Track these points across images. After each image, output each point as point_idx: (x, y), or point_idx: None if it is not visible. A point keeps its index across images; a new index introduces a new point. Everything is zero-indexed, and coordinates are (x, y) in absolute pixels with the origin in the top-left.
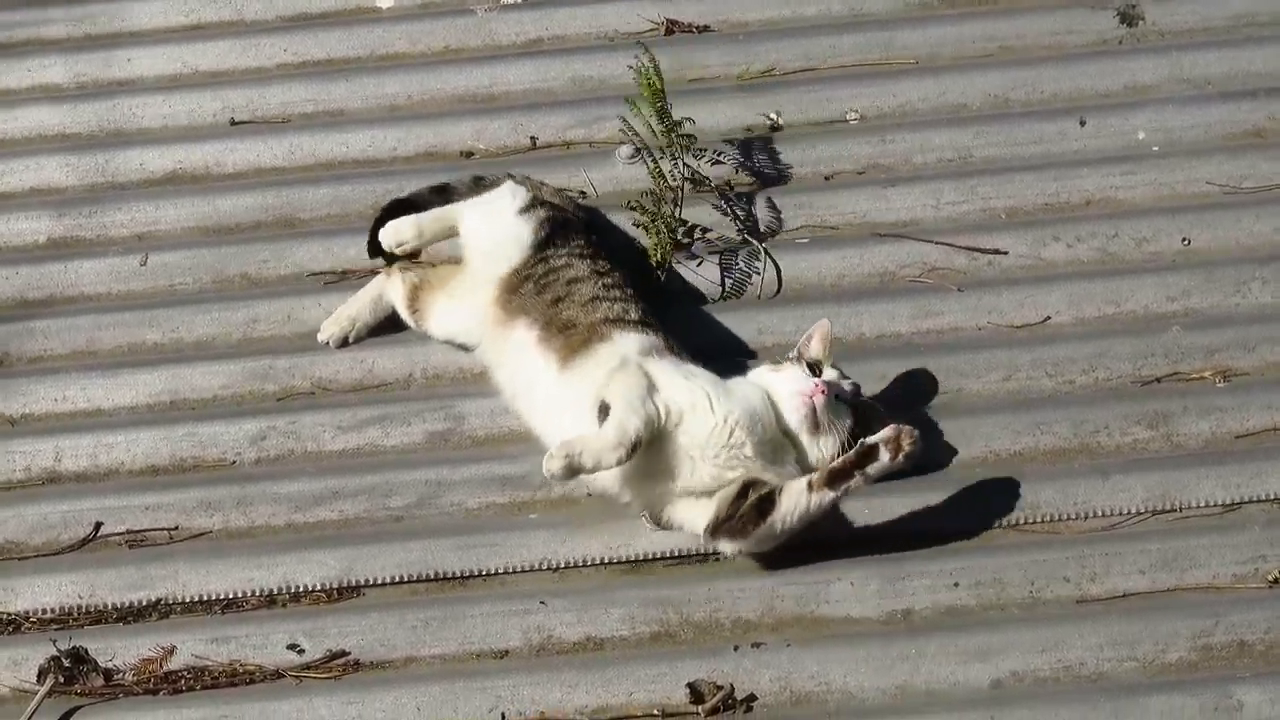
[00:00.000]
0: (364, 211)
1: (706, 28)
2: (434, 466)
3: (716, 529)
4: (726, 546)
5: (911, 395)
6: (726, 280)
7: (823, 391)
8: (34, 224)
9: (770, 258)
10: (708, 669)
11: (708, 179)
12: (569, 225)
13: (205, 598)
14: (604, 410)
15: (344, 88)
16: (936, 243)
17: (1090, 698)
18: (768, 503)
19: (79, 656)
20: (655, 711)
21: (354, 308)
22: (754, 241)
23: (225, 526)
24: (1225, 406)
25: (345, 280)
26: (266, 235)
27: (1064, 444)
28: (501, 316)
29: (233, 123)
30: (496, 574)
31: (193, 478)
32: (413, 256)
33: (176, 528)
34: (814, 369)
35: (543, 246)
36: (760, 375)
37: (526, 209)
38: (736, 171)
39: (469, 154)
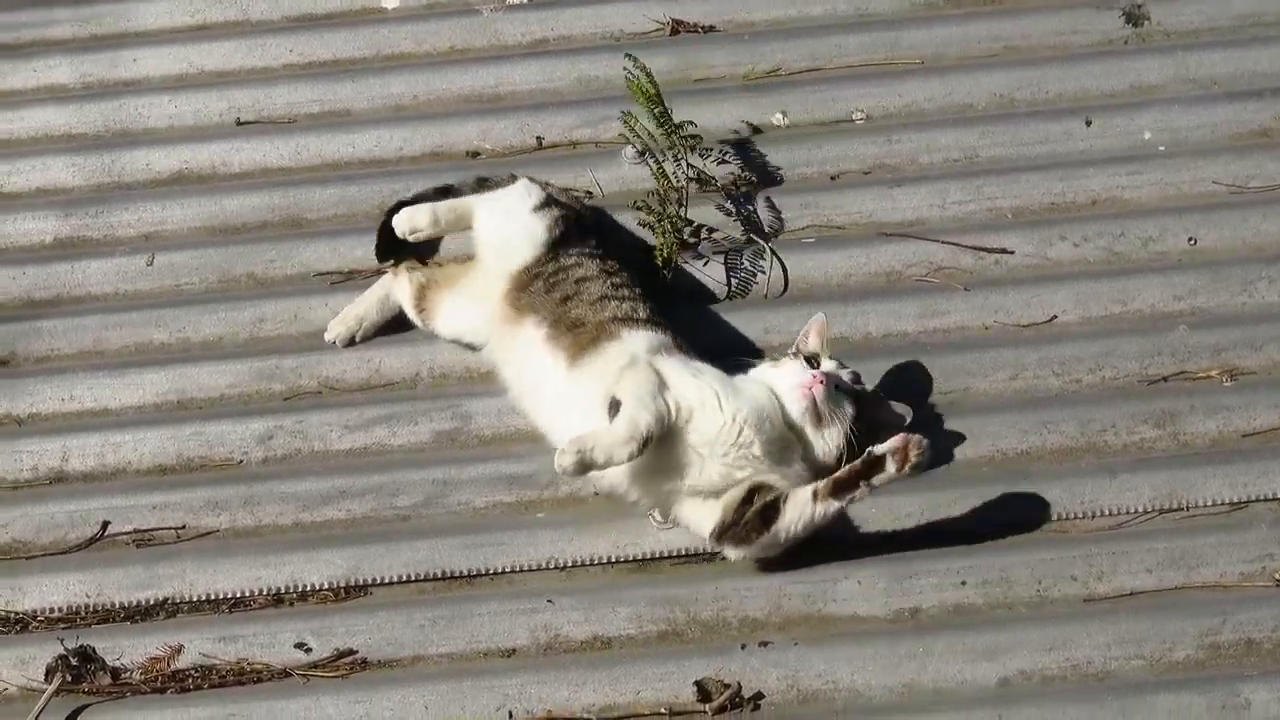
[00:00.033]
0: (370, 211)
1: (712, 28)
2: (441, 466)
3: (721, 534)
4: (730, 552)
5: (917, 394)
6: (732, 280)
7: (821, 382)
8: (40, 224)
9: (776, 257)
10: (715, 667)
11: (714, 179)
12: (580, 225)
13: (212, 597)
14: (614, 406)
15: (350, 88)
16: (943, 242)
17: (1097, 696)
18: (772, 510)
19: (86, 655)
20: (663, 710)
21: (361, 307)
22: (760, 241)
23: (232, 526)
24: (1232, 405)
25: (352, 280)
26: (273, 235)
27: (1071, 443)
28: (510, 314)
29: (239, 123)
30: (504, 573)
31: (200, 477)
32: (421, 261)
33: (184, 527)
34: (812, 362)
35: (554, 245)
36: (762, 373)
37: (541, 207)
38: (742, 171)
39: (475, 154)
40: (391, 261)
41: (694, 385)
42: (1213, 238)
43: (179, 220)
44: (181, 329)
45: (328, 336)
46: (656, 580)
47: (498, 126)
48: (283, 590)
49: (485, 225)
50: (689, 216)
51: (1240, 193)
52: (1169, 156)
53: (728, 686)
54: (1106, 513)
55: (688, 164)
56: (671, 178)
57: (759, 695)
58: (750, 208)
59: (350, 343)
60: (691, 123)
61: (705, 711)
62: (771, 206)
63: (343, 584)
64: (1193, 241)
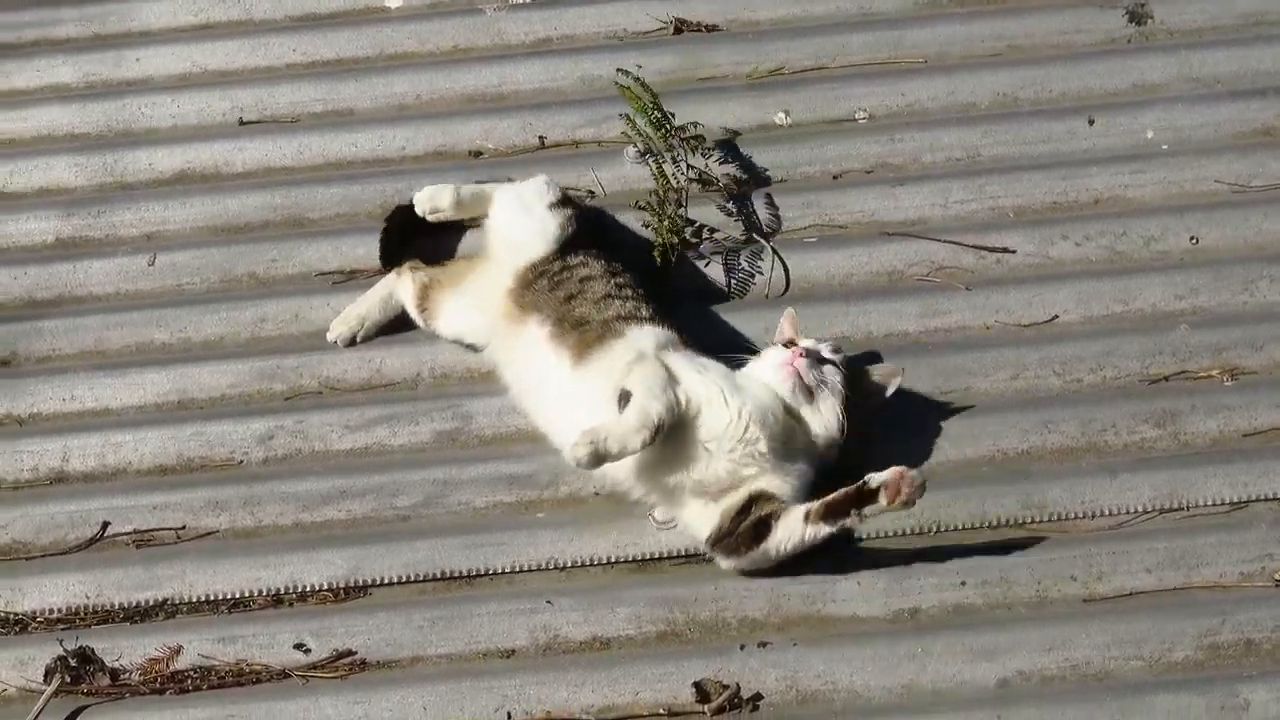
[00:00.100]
0: (373, 211)
1: (715, 27)
2: (441, 466)
3: (715, 543)
4: (722, 562)
5: (918, 394)
6: (734, 279)
7: (801, 355)
8: (42, 224)
9: (778, 256)
10: (714, 668)
11: (716, 178)
12: (589, 226)
13: (212, 597)
14: (624, 399)
15: (353, 87)
16: (944, 241)
17: (1097, 697)
18: (764, 527)
19: (85, 656)
20: (661, 711)
21: (363, 307)
22: (762, 240)
23: (232, 526)
24: (1233, 405)
25: (353, 280)
26: (275, 235)
27: (1071, 443)
28: (514, 312)
29: (241, 122)
30: (503, 573)
31: (200, 477)
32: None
33: (184, 527)
34: (790, 345)
35: (564, 243)
36: (750, 370)
37: (557, 204)
38: (744, 171)
39: (478, 153)
40: (397, 266)
41: (701, 381)
42: (1215, 237)
43: (181, 220)
44: (183, 329)
45: (330, 336)
46: (656, 581)
47: (500, 126)
48: (282, 591)
49: (500, 214)
50: (690, 216)
51: (1243, 192)
52: (1172, 155)
53: (726, 687)
54: (1107, 512)
55: (687, 165)
56: (671, 178)
57: (758, 696)
58: (752, 207)
59: (351, 342)
60: (695, 124)
61: (704, 712)
62: (773, 206)
63: (342, 584)
64: (1195, 241)
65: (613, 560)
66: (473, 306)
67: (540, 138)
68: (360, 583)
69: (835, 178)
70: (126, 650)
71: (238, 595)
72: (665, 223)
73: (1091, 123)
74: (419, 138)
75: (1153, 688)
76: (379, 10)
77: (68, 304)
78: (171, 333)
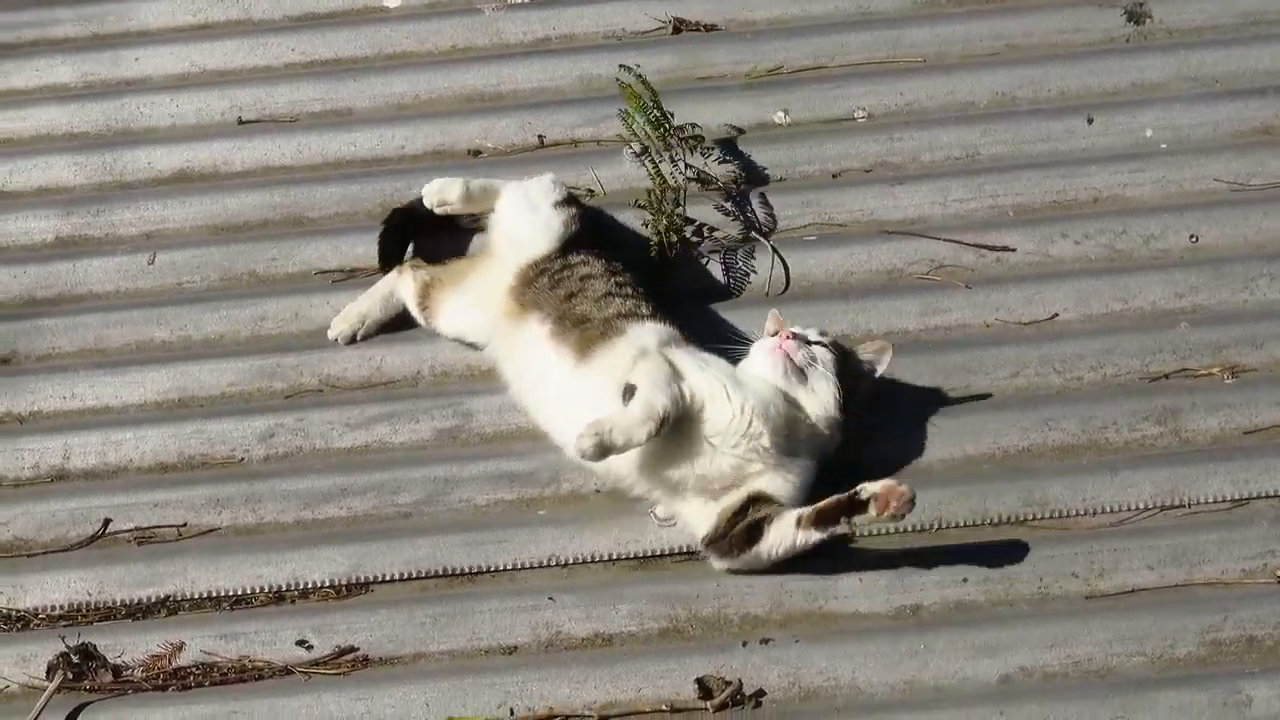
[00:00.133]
0: (372, 210)
1: (714, 26)
2: (442, 463)
3: (710, 543)
4: (715, 563)
5: (919, 392)
6: (734, 278)
7: (789, 337)
8: (42, 223)
9: (778, 255)
10: (716, 665)
11: (715, 177)
12: (590, 225)
13: (214, 594)
14: (628, 392)
15: (352, 87)
16: (944, 240)
17: (1099, 693)
18: (757, 531)
19: (88, 653)
20: (664, 707)
21: (364, 305)
22: (761, 239)
23: (234, 523)
24: (1233, 403)
25: (353, 278)
26: (274, 233)
27: (1072, 440)
28: (514, 309)
29: (240, 122)
30: (505, 570)
31: (201, 475)
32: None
33: (185, 525)
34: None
35: (566, 242)
36: (746, 366)
37: (561, 203)
38: (744, 170)
39: (476, 152)
40: (395, 268)
41: (704, 376)
42: (1214, 235)
43: (180, 219)
44: (183, 327)
45: (331, 334)
46: (658, 577)
47: (499, 125)
48: (284, 588)
49: (506, 210)
50: (690, 215)
51: (1242, 190)
52: (1171, 154)
53: (729, 684)
54: (1108, 510)
55: (685, 164)
56: (669, 178)
57: (760, 692)
58: (752, 206)
59: (352, 340)
60: (693, 124)
61: (706, 709)
62: (773, 204)
63: (344, 581)
64: (1194, 239)
65: (614, 557)
66: (474, 305)
67: (539, 137)
68: (362, 580)
69: (834, 176)
70: (129, 647)
71: (240, 592)
72: (664, 221)
73: (1090, 122)
74: (418, 137)
75: (1155, 684)
76: (378, 10)
77: (68, 302)
78: (172, 331)
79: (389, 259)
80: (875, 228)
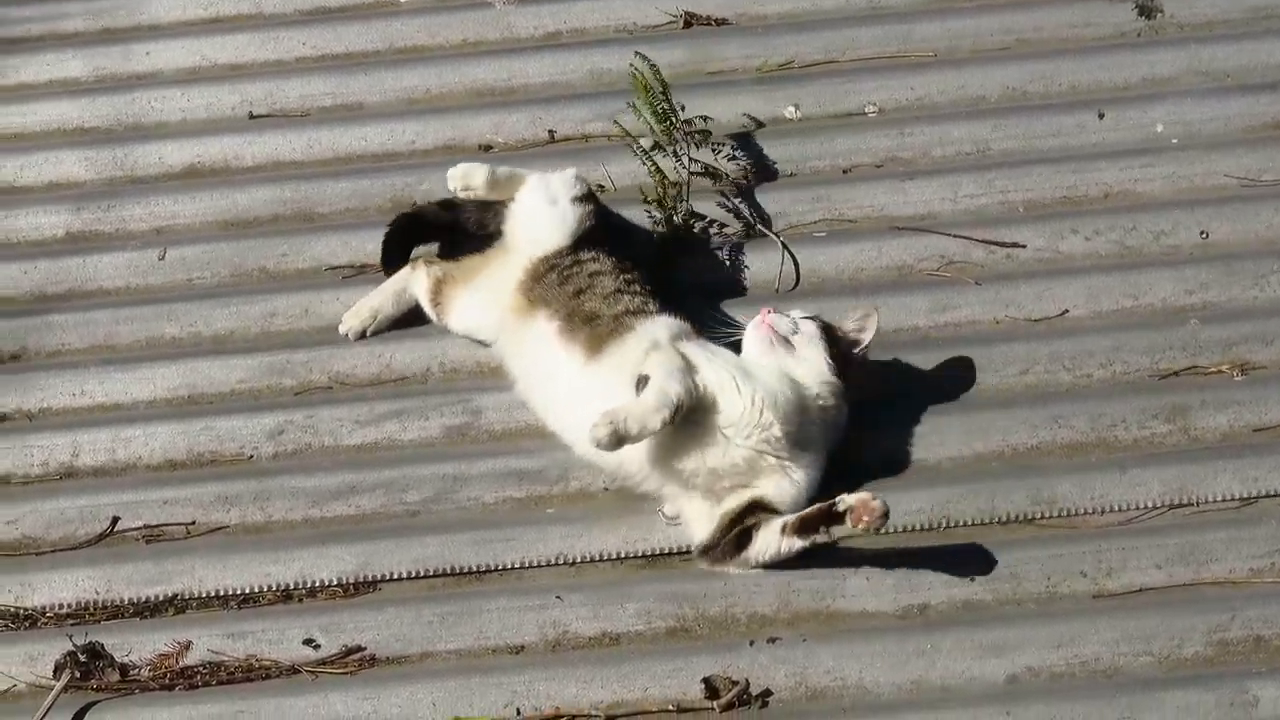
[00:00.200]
0: (383, 205)
1: (725, 20)
2: (451, 461)
3: (703, 552)
4: (705, 567)
5: (927, 389)
6: (743, 273)
7: (770, 310)
8: (52, 218)
9: (788, 250)
10: (723, 664)
11: (725, 172)
12: (603, 223)
13: (222, 593)
14: (641, 383)
15: (363, 81)
16: (954, 236)
17: (1106, 693)
18: (746, 537)
19: (95, 652)
20: (670, 707)
21: (376, 300)
22: (771, 234)
23: (242, 521)
24: (1243, 400)
25: (363, 274)
26: (285, 229)
27: (1081, 438)
28: (522, 305)
29: (251, 116)
30: (513, 569)
31: (210, 472)
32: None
33: (194, 522)
34: None
35: (579, 238)
36: (748, 356)
37: (580, 199)
38: (754, 164)
39: (487, 147)
40: (403, 268)
41: (714, 368)
42: (1225, 231)
43: (191, 214)
44: (193, 323)
45: (342, 329)
46: (665, 576)
47: (510, 120)
48: (292, 586)
49: (526, 199)
50: (700, 210)
51: (1252, 186)
52: (1181, 149)
53: (736, 683)
54: (1116, 508)
55: (690, 159)
56: (671, 173)
57: (767, 692)
58: (762, 201)
59: (362, 335)
60: (703, 117)
61: (713, 708)
62: (783, 200)
63: (352, 580)
64: (1204, 235)
65: (622, 556)
66: (485, 301)
67: (550, 132)
68: (370, 578)
69: (845, 172)
70: (136, 646)
71: (247, 591)
72: (676, 216)
73: (1101, 117)
74: (428, 132)
75: (1162, 684)
76: (389, 4)
77: (78, 298)
78: (181, 327)
79: (392, 263)
80: (885, 223)
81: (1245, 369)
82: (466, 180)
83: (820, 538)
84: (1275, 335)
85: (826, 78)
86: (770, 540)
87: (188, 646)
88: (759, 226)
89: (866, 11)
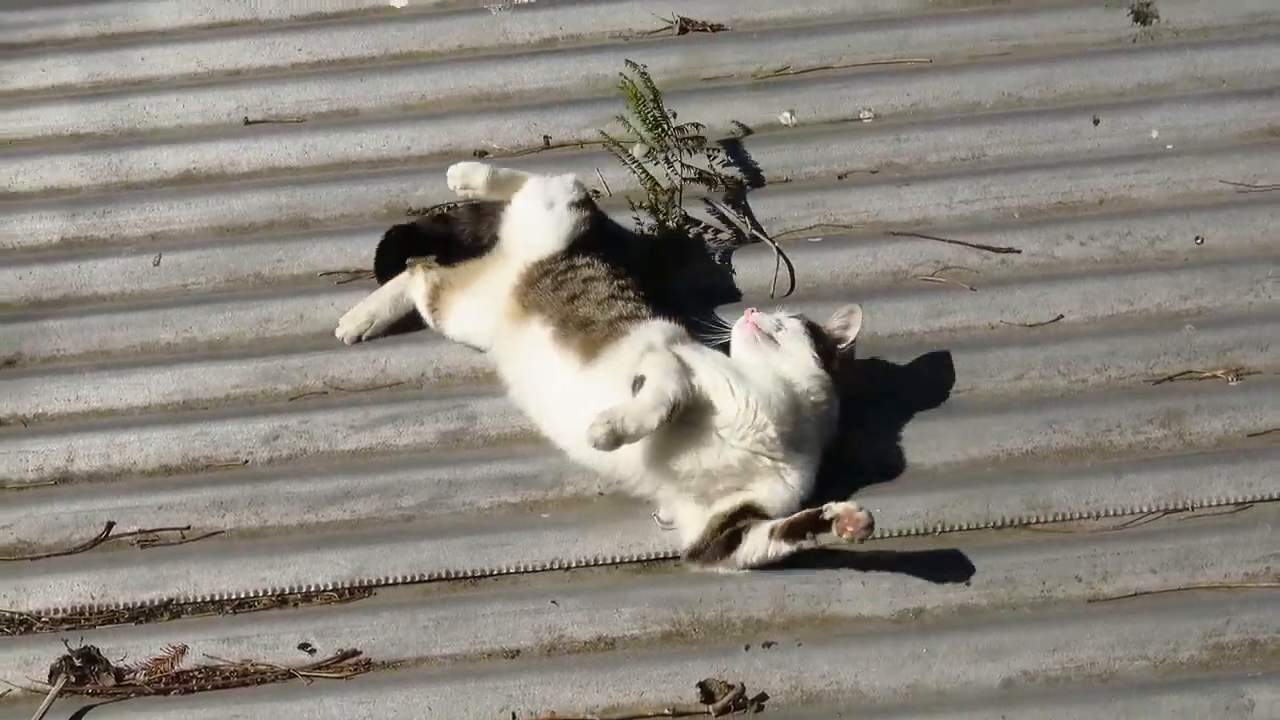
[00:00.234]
0: (378, 211)
1: (720, 26)
2: (446, 466)
3: (692, 555)
4: (693, 569)
5: (923, 394)
6: (739, 279)
7: (752, 310)
8: (48, 224)
9: (783, 256)
10: (719, 668)
11: (720, 178)
12: (600, 229)
13: (217, 597)
14: (638, 384)
15: (358, 87)
16: (950, 241)
17: (1101, 697)
18: (736, 539)
19: (90, 656)
20: (666, 711)
21: (374, 304)
22: (766, 240)
23: (237, 526)
24: (1238, 405)
25: (358, 279)
26: (280, 235)
27: (1076, 443)
28: (517, 310)
29: (247, 122)
30: (508, 573)
31: (205, 477)
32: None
33: (189, 527)
34: None
35: (574, 243)
36: (739, 358)
37: (577, 204)
38: (749, 170)
39: (483, 153)
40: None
41: (709, 370)
42: (1220, 237)
43: (186, 220)
44: (188, 329)
45: (338, 332)
46: (661, 581)
47: (505, 126)
48: (287, 591)
49: (523, 202)
50: (695, 216)
51: (1247, 192)
52: (1177, 155)
53: (731, 687)
54: (1111, 513)
55: (682, 164)
56: (663, 179)
57: (763, 696)
58: (757, 206)
59: (358, 339)
60: (695, 124)
61: (709, 712)
62: (779, 205)
63: (347, 585)
64: (1200, 241)
65: (617, 560)
66: (481, 307)
67: (545, 137)
68: (365, 583)
69: (840, 177)
70: (131, 650)
71: (243, 595)
72: (670, 222)
73: (1097, 122)
74: (424, 138)
75: (1158, 688)
76: (384, 10)
77: (73, 304)
78: (177, 333)
79: (386, 274)
80: (880, 229)
81: (1240, 374)
82: (466, 180)
83: (807, 544)
84: (1270, 340)
85: (822, 83)
86: (759, 543)
87: (183, 651)
88: (754, 232)
89: (862, 17)
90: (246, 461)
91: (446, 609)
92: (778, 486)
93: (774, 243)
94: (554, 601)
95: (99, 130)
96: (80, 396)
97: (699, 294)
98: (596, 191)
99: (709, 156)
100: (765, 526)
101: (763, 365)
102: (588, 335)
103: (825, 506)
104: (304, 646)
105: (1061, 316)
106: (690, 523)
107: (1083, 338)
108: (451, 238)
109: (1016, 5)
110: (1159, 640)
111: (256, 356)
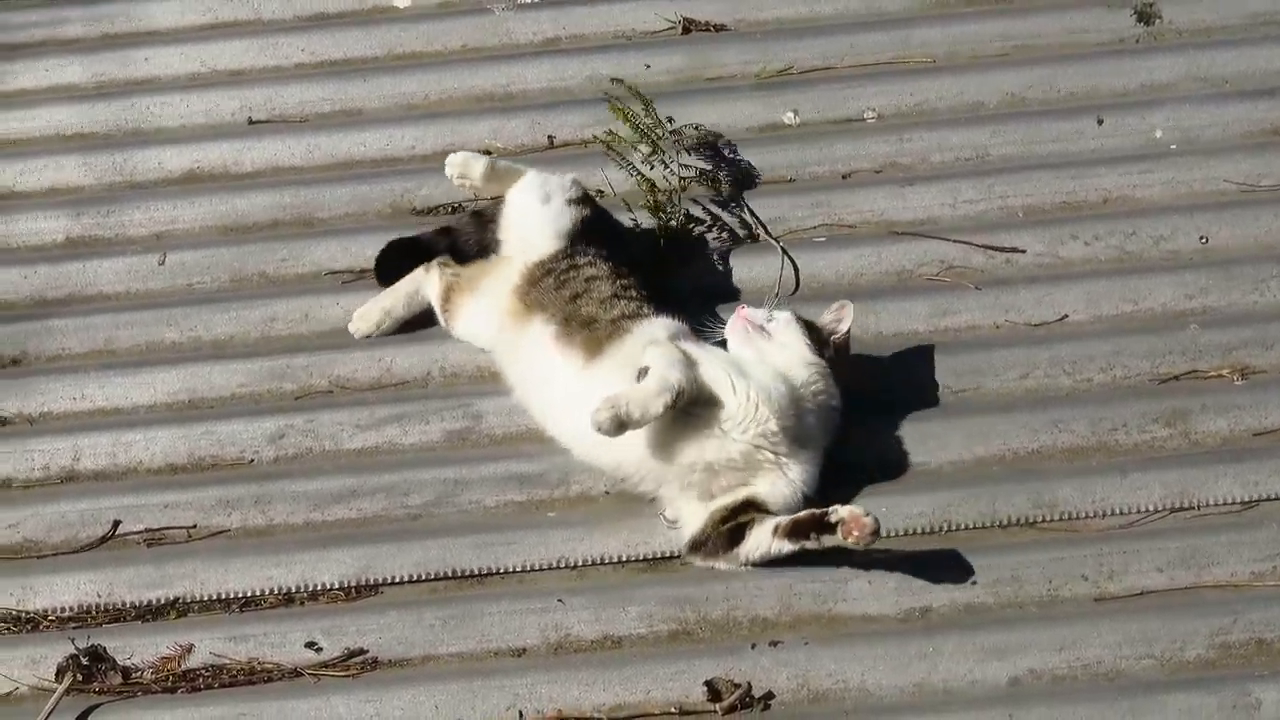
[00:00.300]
0: (382, 210)
1: (723, 26)
2: (452, 465)
3: (693, 548)
4: (695, 562)
5: (928, 393)
6: (744, 278)
7: (743, 305)
8: (52, 223)
9: (787, 256)
10: (725, 667)
11: (724, 178)
12: (601, 228)
13: (223, 596)
14: (642, 374)
15: (362, 87)
16: (954, 241)
17: (1108, 696)
18: (739, 534)
19: (97, 655)
20: (673, 709)
21: (388, 301)
22: (771, 240)
23: (243, 525)
24: (1243, 404)
25: (363, 279)
26: (284, 234)
27: (1082, 442)
28: (519, 309)
29: (251, 122)
30: (514, 572)
31: (211, 476)
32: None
33: (195, 526)
34: None
35: (573, 241)
36: (736, 354)
37: (576, 201)
38: (753, 170)
39: (486, 153)
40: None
41: (712, 365)
42: (1224, 236)
43: (191, 219)
44: (193, 328)
45: (351, 328)
46: (667, 579)
47: (509, 125)
48: (293, 590)
49: (519, 196)
50: (699, 216)
51: (1252, 191)
52: (1180, 155)
53: (738, 686)
54: (1117, 512)
55: (680, 165)
56: (662, 181)
57: (769, 695)
58: (761, 206)
59: (369, 336)
60: (695, 126)
61: (715, 711)
62: (783, 205)
63: (353, 583)
64: (1204, 240)
65: (624, 559)
66: (487, 308)
67: (549, 137)
68: (371, 581)
69: (844, 177)
70: (138, 649)
71: (249, 594)
72: (674, 222)
73: (1100, 122)
74: (428, 137)
75: (1164, 687)
76: (388, 10)
77: (78, 303)
78: (182, 332)
79: (387, 281)
80: (885, 229)
81: (1245, 373)
82: (464, 170)
83: (810, 544)
84: (1275, 340)
85: (825, 83)
86: (762, 540)
87: (190, 649)
88: (758, 231)
89: (865, 17)
90: (252, 460)
91: (453, 608)
92: (779, 481)
93: (778, 242)
94: (560, 600)
95: (103, 130)
96: (86, 395)
97: (702, 293)
98: (600, 191)
99: (713, 156)
100: (769, 523)
101: (761, 360)
102: (591, 334)
103: (832, 509)
104: (310, 645)
105: (1066, 316)
106: (690, 518)
107: (1088, 337)
108: (455, 248)
109: (1020, 5)
110: (1165, 639)
111: (262, 355)
